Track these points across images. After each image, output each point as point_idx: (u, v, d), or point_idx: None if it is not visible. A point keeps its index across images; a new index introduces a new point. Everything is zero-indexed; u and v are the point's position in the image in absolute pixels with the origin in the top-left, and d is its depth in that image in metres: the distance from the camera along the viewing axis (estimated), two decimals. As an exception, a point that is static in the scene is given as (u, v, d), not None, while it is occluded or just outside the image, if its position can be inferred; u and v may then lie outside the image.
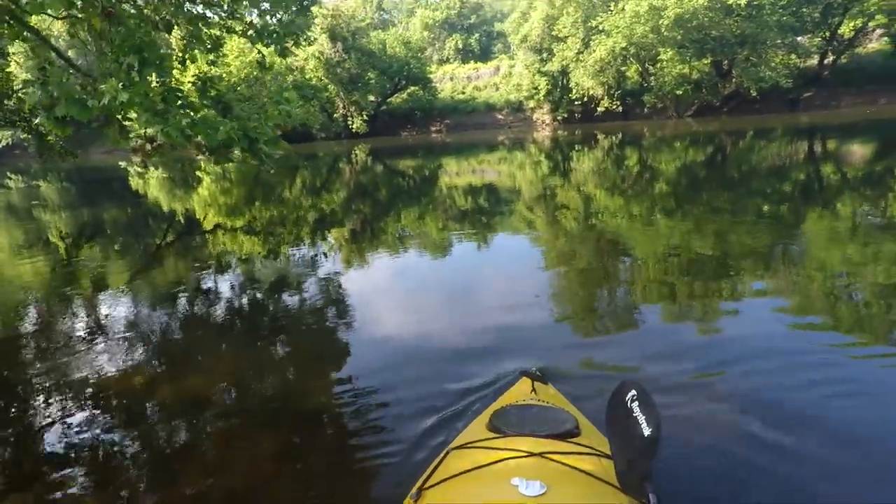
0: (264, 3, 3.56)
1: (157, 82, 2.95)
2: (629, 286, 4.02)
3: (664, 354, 2.88)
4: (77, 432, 2.48)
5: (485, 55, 48.71)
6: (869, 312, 3.24)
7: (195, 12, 3.35)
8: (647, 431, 1.35)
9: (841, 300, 3.45)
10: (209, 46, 3.63)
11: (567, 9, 28.58)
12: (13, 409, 2.75)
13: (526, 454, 1.53)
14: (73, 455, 2.33)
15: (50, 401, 2.77)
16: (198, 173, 17.67)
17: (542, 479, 1.35)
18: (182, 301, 4.35)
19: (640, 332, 3.22)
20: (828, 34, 26.97)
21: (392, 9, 59.37)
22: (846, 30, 26.70)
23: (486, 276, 4.65)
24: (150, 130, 2.84)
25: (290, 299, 4.26)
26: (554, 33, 29.65)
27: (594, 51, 26.89)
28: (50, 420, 2.59)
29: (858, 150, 11.54)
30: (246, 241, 6.70)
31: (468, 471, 1.51)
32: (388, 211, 8.64)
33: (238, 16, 3.63)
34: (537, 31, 30.60)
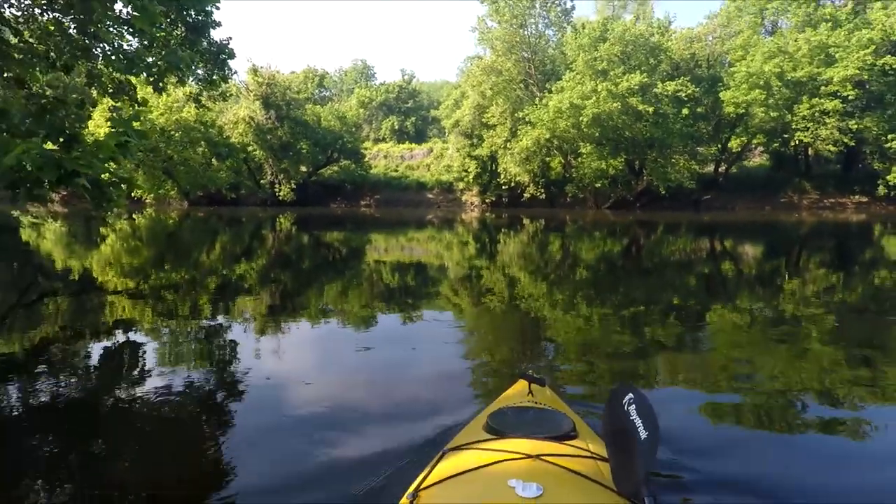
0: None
1: None
2: (547, 371, 3.89)
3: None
4: None
5: (420, 137, 50.92)
6: (766, 399, 3.32)
7: (82, 42, 3.07)
8: (643, 435, 1.36)
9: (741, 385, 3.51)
10: (111, 90, 3.35)
11: (497, 100, 30.80)
12: None
13: (523, 456, 1.53)
14: None
15: None
16: (102, 229, 16.30)
17: (538, 481, 1.36)
18: (46, 379, 3.66)
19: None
20: (720, 146, 30.80)
21: (332, 87, 61.43)
22: (734, 144, 30.67)
23: (404, 356, 4.36)
24: None
25: (183, 374, 3.71)
26: (484, 121, 31.66)
27: (521, 140, 28.84)
28: None
29: (751, 250, 12.75)
30: (142, 307, 5.99)
31: (465, 472, 1.52)
32: (309, 284, 8.22)
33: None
34: (468, 117, 32.56)
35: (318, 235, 16.81)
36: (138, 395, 3.39)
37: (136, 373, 3.87)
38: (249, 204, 35.29)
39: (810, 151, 30.37)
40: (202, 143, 29.29)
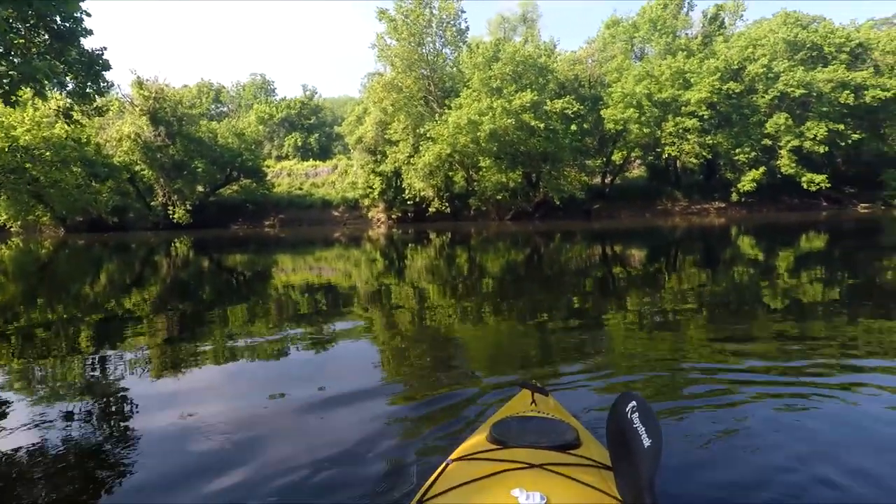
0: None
1: None
2: (461, 383, 4.08)
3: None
4: None
5: (324, 154, 50.00)
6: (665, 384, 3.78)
7: None
8: (647, 443, 1.37)
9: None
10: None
11: (398, 116, 31.23)
12: None
13: (526, 465, 1.54)
14: None
15: None
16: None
17: (542, 491, 1.37)
18: None
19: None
20: (605, 159, 33.64)
21: (229, 102, 58.51)
22: (617, 158, 33.65)
23: (317, 382, 4.35)
24: None
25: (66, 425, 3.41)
26: (387, 137, 31.92)
27: (423, 155, 29.44)
28: None
29: (636, 254, 14.11)
30: (7, 351, 5.35)
31: (469, 482, 1.52)
32: (211, 311, 7.82)
33: None
34: (371, 133, 32.68)
35: (219, 259, 15.94)
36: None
37: None
38: (139, 228, 32.53)
39: (678, 164, 34.19)
40: (77, 162, 26.51)
